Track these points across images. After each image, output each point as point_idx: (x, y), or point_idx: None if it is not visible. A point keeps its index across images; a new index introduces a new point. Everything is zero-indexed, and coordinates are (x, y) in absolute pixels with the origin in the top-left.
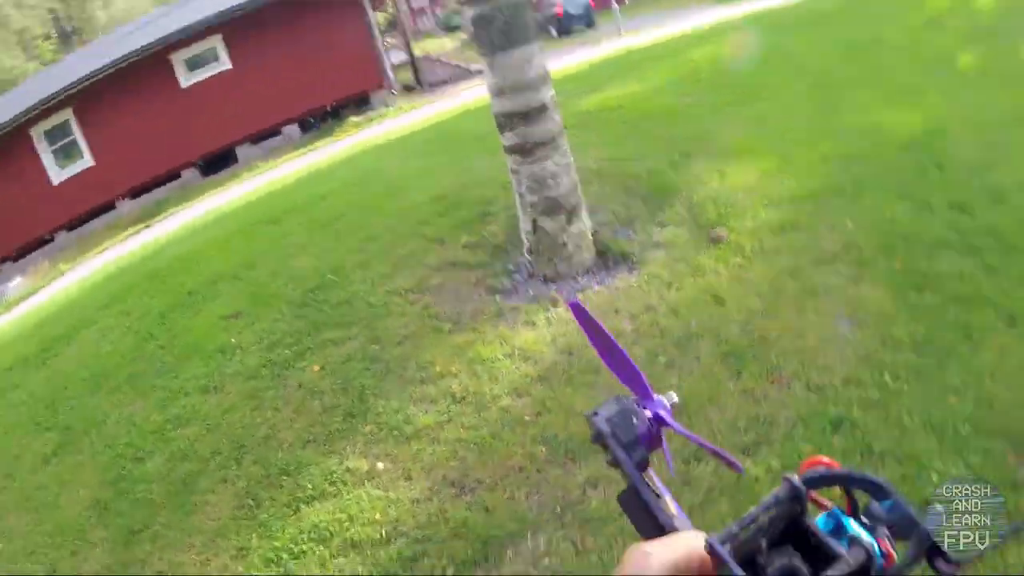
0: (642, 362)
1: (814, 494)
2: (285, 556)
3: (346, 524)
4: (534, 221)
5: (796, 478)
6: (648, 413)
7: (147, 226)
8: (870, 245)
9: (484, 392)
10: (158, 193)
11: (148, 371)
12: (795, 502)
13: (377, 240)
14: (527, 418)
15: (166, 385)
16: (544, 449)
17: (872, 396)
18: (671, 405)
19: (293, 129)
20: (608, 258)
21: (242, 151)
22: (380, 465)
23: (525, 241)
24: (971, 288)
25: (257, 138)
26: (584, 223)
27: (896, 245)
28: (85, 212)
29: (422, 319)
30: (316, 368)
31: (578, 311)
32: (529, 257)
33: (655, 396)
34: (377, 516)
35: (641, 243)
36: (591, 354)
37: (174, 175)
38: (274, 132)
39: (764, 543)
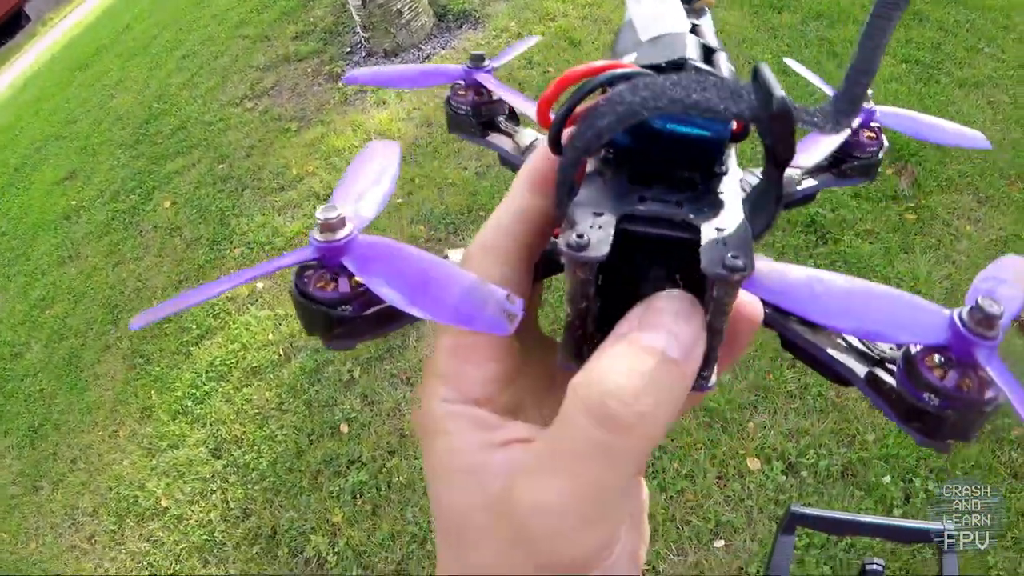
0: None
1: None
2: (189, 403)
3: (241, 353)
4: None
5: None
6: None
7: None
8: None
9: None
10: None
11: None
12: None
13: (197, 55)
14: (400, 200)
15: (20, 270)
16: (423, 228)
17: None
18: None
19: None
20: (449, 19)
21: (32, 7)
22: (260, 285)
23: (357, 18)
24: (829, 4)
25: None
26: None
27: None
28: None
29: (265, 124)
30: (167, 204)
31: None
32: (365, 34)
33: (467, 67)
34: (270, 336)
35: None
36: None
37: None
38: None
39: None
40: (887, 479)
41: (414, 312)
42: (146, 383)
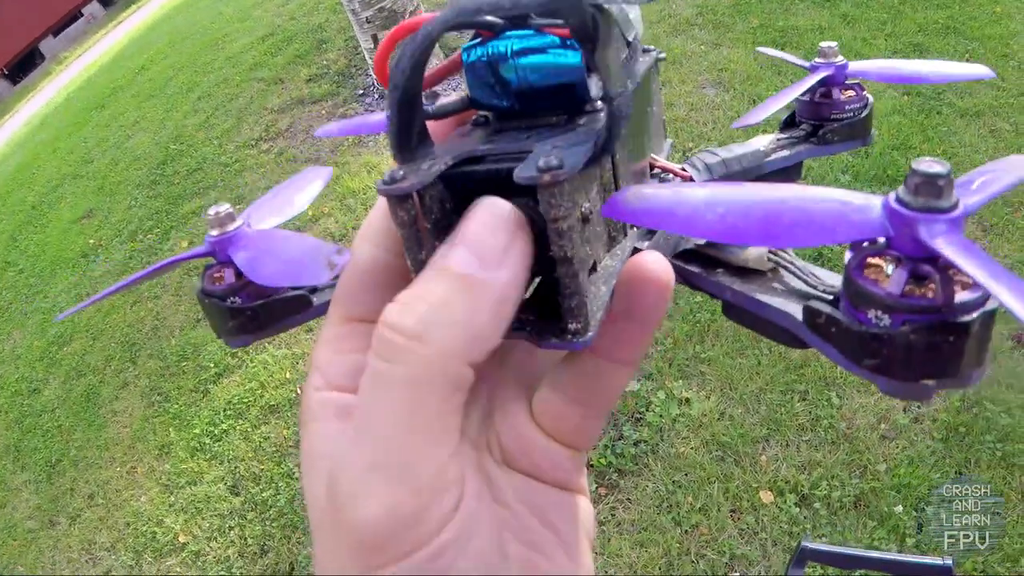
0: None
1: None
2: (207, 440)
3: (258, 392)
4: (374, 36)
5: None
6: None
7: None
8: (724, 7)
9: (362, 225)
10: None
11: (16, 300)
12: None
13: (212, 97)
14: None
15: (38, 308)
16: None
17: None
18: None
19: (95, 7)
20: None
21: (47, 46)
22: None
23: (369, 60)
24: (831, 39)
25: (58, 29)
26: None
27: (751, 4)
28: None
29: (280, 165)
30: (185, 244)
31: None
32: (377, 76)
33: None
34: (287, 375)
35: None
36: None
37: None
38: (74, 16)
39: None
40: (899, 509)
41: (262, 280)
42: (164, 420)
